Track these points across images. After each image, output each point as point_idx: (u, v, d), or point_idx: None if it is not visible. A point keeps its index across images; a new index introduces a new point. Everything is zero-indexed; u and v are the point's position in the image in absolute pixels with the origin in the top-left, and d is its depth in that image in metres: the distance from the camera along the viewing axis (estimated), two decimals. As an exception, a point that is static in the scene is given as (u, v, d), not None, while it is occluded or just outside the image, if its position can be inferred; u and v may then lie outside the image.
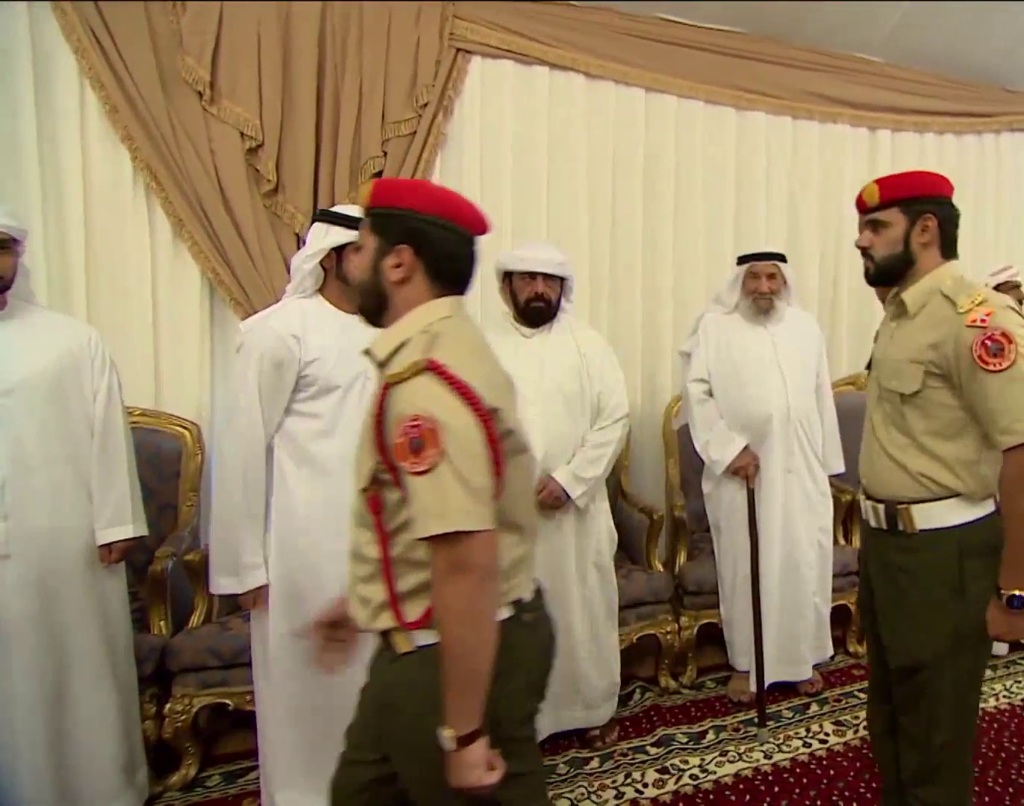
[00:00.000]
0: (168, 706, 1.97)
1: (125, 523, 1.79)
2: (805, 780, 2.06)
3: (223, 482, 1.66)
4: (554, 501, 2.03)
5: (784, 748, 2.21)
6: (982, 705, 2.35)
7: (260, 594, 1.68)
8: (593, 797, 1.98)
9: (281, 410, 1.66)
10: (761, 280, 2.39)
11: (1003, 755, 2.17)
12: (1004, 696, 2.50)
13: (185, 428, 2.32)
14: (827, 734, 2.28)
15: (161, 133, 2.23)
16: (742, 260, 2.45)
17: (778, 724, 2.33)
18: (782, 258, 2.44)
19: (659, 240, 2.96)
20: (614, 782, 2.05)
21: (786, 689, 2.48)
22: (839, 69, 3.26)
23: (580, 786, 2.03)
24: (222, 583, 1.67)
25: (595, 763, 2.13)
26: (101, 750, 1.74)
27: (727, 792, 2.01)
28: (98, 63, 2.14)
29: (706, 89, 3.03)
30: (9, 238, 1.60)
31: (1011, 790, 2.01)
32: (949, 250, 1.44)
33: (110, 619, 1.79)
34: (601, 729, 2.23)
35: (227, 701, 2.01)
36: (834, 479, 2.57)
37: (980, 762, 2.09)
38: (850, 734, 2.27)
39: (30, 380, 1.63)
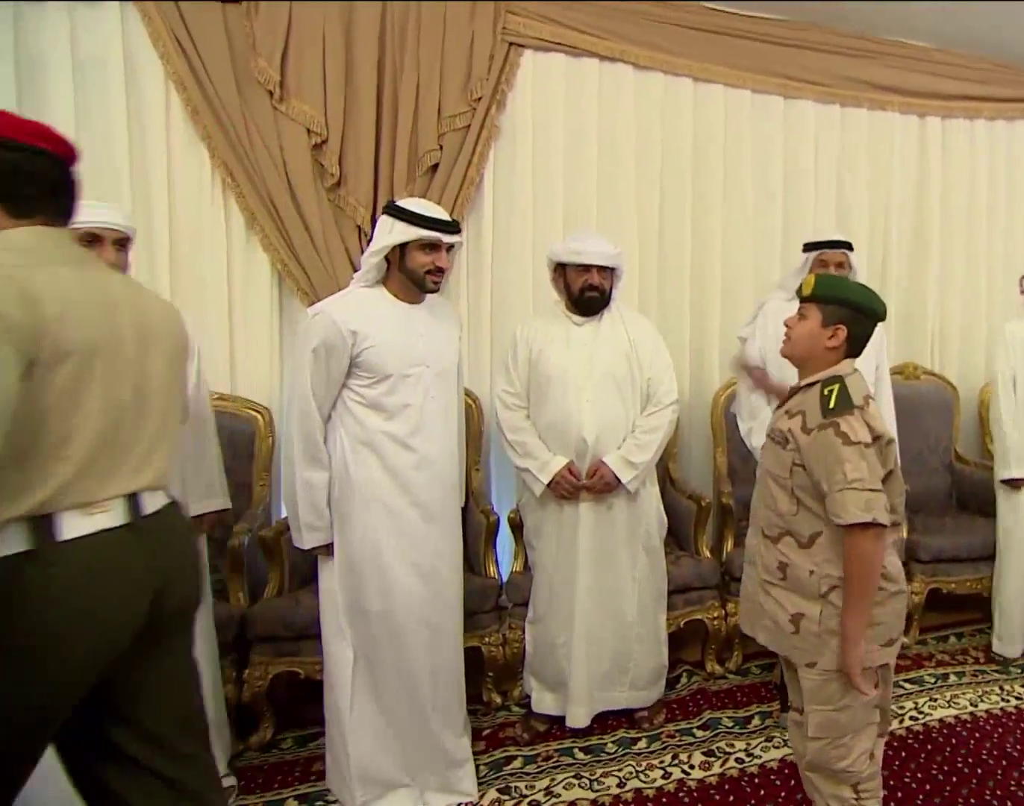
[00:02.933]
0: (247, 672, 2.11)
1: (215, 496, 1.93)
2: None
3: (288, 458, 1.80)
4: (605, 486, 2.09)
5: None
6: (955, 713, 2.34)
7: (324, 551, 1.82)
8: (641, 776, 2.04)
9: (334, 394, 1.76)
10: (830, 268, 2.37)
11: (1004, 762, 2.11)
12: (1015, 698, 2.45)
13: (258, 412, 2.45)
14: None
15: (236, 131, 2.35)
16: (810, 247, 2.43)
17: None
18: (850, 247, 2.42)
19: (707, 229, 3.00)
20: (661, 763, 2.10)
21: None
22: (887, 55, 3.24)
23: (628, 765, 2.09)
24: (308, 538, 1.80)
25: (643, 743, 2.19)
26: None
27: (772, 776, 2.04)
28: (181, 67, 2.27)
29: (753, 78, 3.04)
30: (126, 236, 1.72)
31: (1009, 804, 1.95)
32: None
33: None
34: (649, 710, 2.28)
35: (299, 670, 2.13)
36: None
37: (979, 769, 2.06)
38: (895, 724, 2.28)
39: None
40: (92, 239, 1.64)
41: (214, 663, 1.97)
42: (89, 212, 1.64)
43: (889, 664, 1.51)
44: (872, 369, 2.46)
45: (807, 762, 1.53)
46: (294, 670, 2.13)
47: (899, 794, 1.95)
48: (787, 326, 1.53)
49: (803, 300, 1.52)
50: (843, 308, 1.46)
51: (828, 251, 2.39)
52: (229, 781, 1.95)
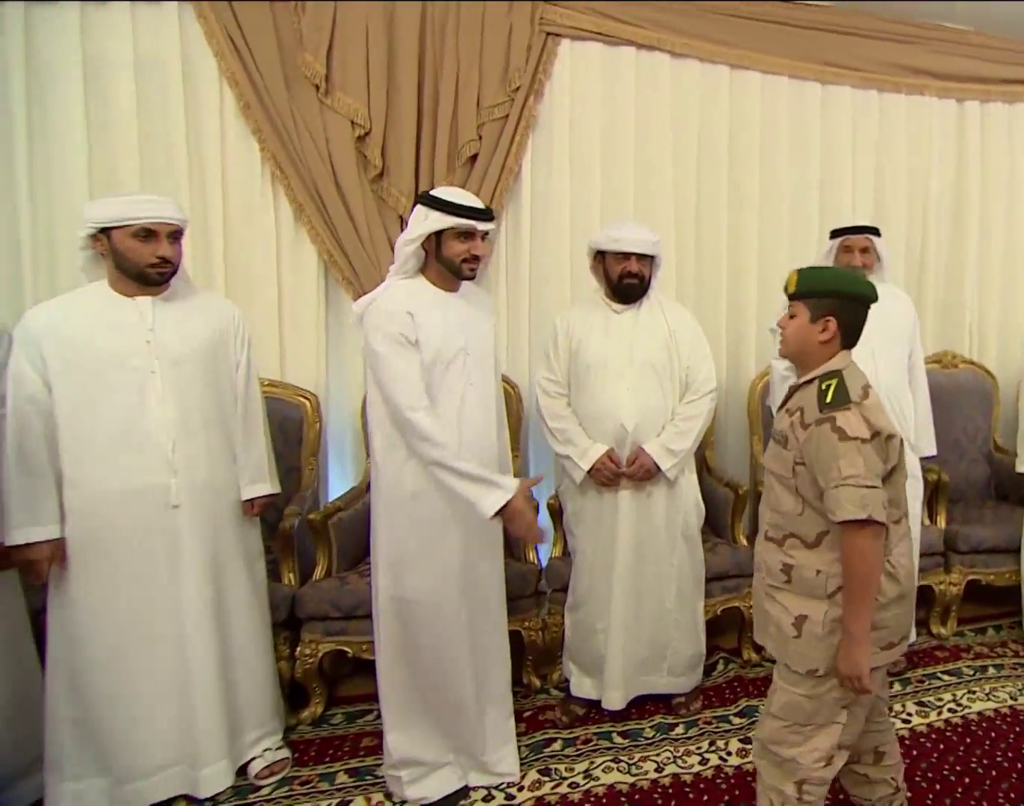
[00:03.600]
0: (298, 649, 2.17)
1: (264, 481, 1.98)
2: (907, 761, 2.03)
3: (433, 461, 1.71)
4: (645, 473, 2.11)
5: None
6: (995, 706, 2.31)
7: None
8: (678, 762, 2.05)
9: (423, 377, 1.73)
10: (854, 254, 2.38)
11: (1019, 764, 2.05)
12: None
13: (306, 398, 2.52)
14: (910, 714, 2.27)
15: (284, 125, 2.41)
16: (835, 234, 2.45)
17: None
18: (876, 232, 2.42)
19: (744, 217, 3.00)
20: (699, 749, 2.10)
21: None
22: (925, 39, 3.20)
23: (666, 750, 2.10)
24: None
25: (680, 729, 2.19)
26: (255, 677, 1.95)
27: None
28: (234, 63, 2.34)
29: (791, 65, 3.03)
30: (179, 229, 1.78)
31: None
32: None
33: (253, 566, 2.00)
34: (686, 696, 2.30)
35: (347, 649, 2.19)
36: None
37: (1019, 764, 2.02)
38: (933, 715, 2.26)
39: (193, 352, 1.82)
40: (148, 234, 1.71)
41: (268, 639, 2.05)
42: (145, 208, 1.71)
43: (882, 667, 1.47)
44: (905, 356, 2.46)
45: (759, 741, 1.51)
46: (342, 649, 2.20)
47: (937, 787, 1.94)
48: (780, 327, 1.52)
49: (790, 297, 1.49)
50: (829, 299, 1.43)
51: (852, 237, 2.39)
52: (283, 752, 2.03)
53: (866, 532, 1.32)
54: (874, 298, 1.50)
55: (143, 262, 1.71)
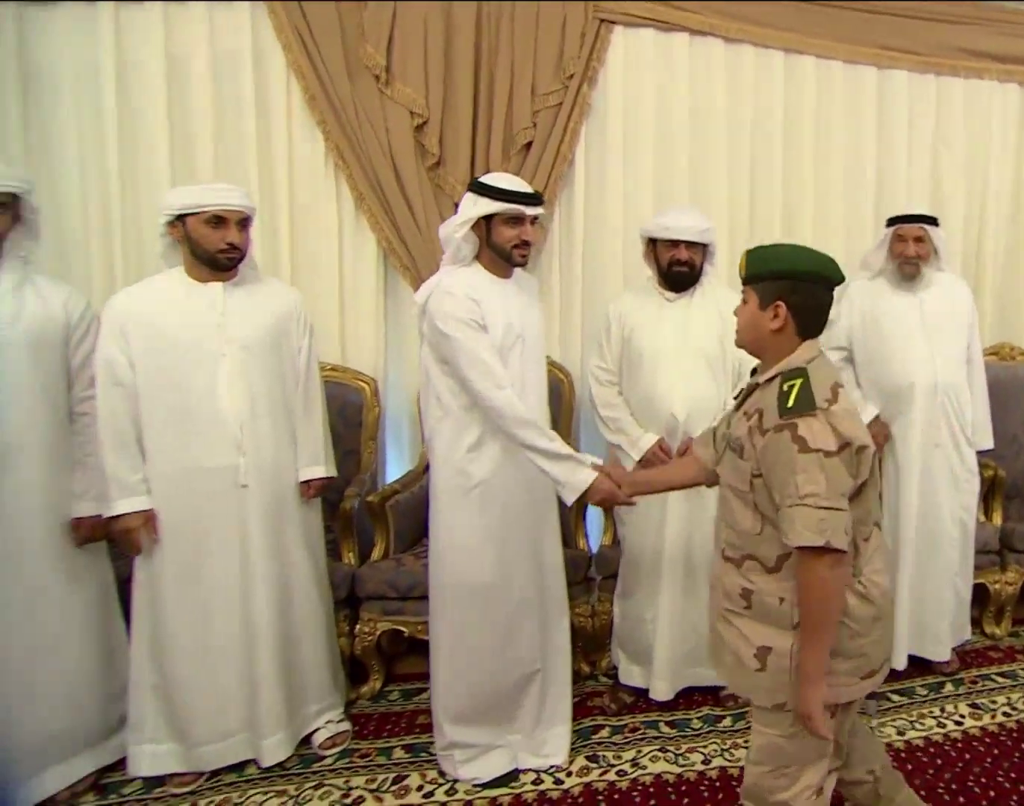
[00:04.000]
0: (357, 627, 2.24)
1: (319, 464, 2.03)
2: (939, 761, 2.02)
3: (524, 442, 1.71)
4: None
5: (918, 726, 2.17)
6: (990, 722, 2.22)
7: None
8: (725, 755, 2.04)
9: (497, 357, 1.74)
10: (908, 243, 2.31)
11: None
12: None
13: (366, 382, 2.58)
14: (962, 716, 2.23)
15: (346, 116, 2.47)
16: (890, 222, 2.39)
17: (911, 701, 2.30)
18: (932, 221, 2.34)
19: (797, 204, 2.96)
20: (746, 742, 2.06)
21: (920, 665, 2.43)
22: (986, 21, 3.09)
23: (713, 742, 2.09)
24: None
25: (727, 722, 2.18)
26: (317, 651, 2.02)
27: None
28: (300, 57, 2.41)
29: (846, 49, 2.97)
30: (247, 216, 1.84)
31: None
32: None
33: (314, 545, 2.06)
34: None
35: (403, 628, 2.25)
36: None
37: (991, 793, 1.91)
38: (987, 718, 2.22)
39: (259, 337, 1.88)
40: (218, 221, 1.77)
41: (329, 616, 2.12)
42: (215, 195, 1.78)
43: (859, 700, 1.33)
44: (963, 348, 2.39)
45: (743, 788, 1.37)
46: (399, 628, 2.25)
47: (991, 793, 1.90)
48: (736, 316, 1.37)
49: (742, 282, 1.34)
50: (778, 281, 1.25)
51: (905, 226, 2.31)
52: (345, 725, 2.10)
53: (824, 560, 1.16)
54: (836, 278, 1.31)
55: (213, 248, 1.78)
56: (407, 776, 1.95)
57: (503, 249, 1.80)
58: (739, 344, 1.37)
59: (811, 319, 1.29)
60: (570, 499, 1.70)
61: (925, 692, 2.36)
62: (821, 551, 1.16)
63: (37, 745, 1.77)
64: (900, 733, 2.15)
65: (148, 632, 1.84)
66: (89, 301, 1.90)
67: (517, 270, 1.92)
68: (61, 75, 2.37)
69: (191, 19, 2.39)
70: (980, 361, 2.48)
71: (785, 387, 1.22)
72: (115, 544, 1.89)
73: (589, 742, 2.08)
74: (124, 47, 2.36)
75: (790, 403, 1.19)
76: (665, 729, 2.16)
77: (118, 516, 1.77)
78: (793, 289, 1.25)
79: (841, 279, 1.32)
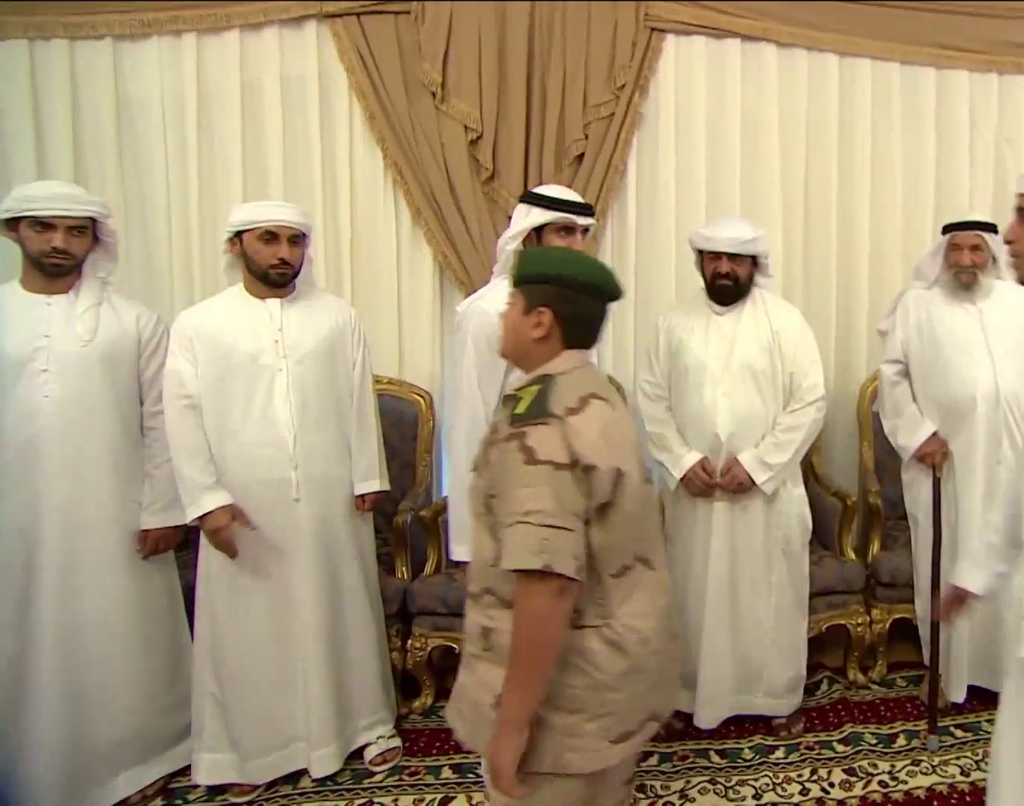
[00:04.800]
0: (409, 642, 2.24)
1: (375, 478, 2.05)
2: None
3: (454, 465, 1.77)
4: (738, 486, 2.01)
5: (983, 767, 2.00)
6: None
7: None
8: (778, 789, 1.96)
9: (499, 387, 1.71)
10: (963, 252, 2.21)
11: None
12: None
13: (421, 396, 2.62)
14: None
15: (404, 133, 2.53)
16: (946, 229, 2.29)
17: (976, 737, 2.15)
18: (990, 228, 2.23)
19: (854, 211, 2.89)
20: (799, 776, 2.01)
21: (985, 698, 2.23)
22: (1049, 15, 2.99)
23: (765, 775, 2.02)
24: (458, 551, 1.76)
25: (780, 753, 2.11)
26: (368, 665, 2.04)
27: (919, 807, 1.88)
28: (362, 77, 2.49)
29: (903, 49, 2.89)
30: (300, 233, 1.87)
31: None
32: None
33: (366, 559, 2.08)
34: (788, 718, 2.20)
35: (453, 645, 2.22)
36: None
37: None
38: None
39: (314, 351, 1.91)
40: (271, 237, 1.81)
41: (381, 630, 2.13)
42: (267, 212, 1.82)
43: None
44: (1016, 367, 2.19)
45: None
46: (450, 644, 2.24)
47: None
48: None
49: (512, 285, 1.23)
50: (545, 285, 1.15)
51: (961, 233, 2.22)
52: (395, 742, 2.11)
53: (545, 587, 1.00)
54: (607, 290, 1.18)
55: (265, 263, 1.82)
56: (453, 798, 1.94)
57: None
58: (501, 352, 1.25)
59: (578, 329, 1.17)
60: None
61: (991, 728, 2.24)
62: (542, 575, 1.00)
63: (110, 750, 1.83)
64: (964, 773, 2.03)
65: (207, 642, 1.89)
66: (160, 317, 1.97)
67: None
68: (150, 103, 2.51)
69: (263, 45, 2.49)
70: None
71: (520, 394, 1.10)
72: (184, 553, 1.94)
73: (638, 770, 2.01)
74: (204, 75, 2.50)
75: (519, 410, 1.07)
76: (715, 759, 2.10)
77: (205, 516, 1.80)
78: (560, 296, 1.14)
79: (616, 294, 1.21)
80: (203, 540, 1.85)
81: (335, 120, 2.54)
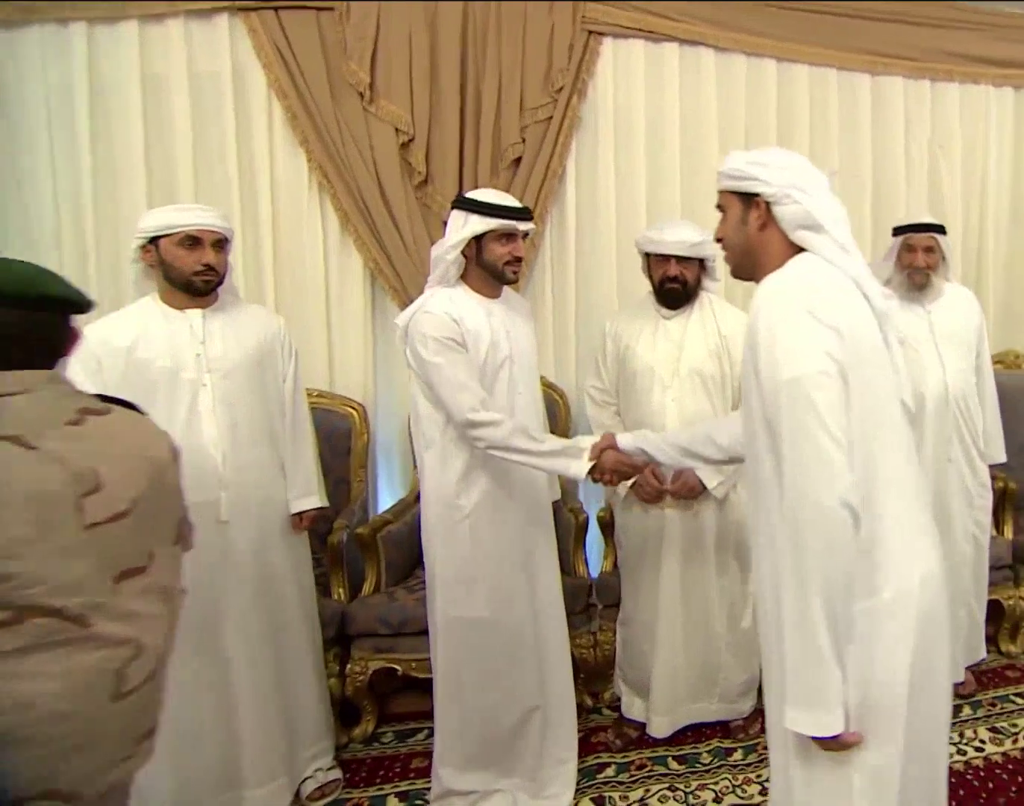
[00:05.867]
0: (348, 666, 2.14)
1: (313, 494, 1.95)
2: (961, 792, 1.91)
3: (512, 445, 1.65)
4: (689, 491, 1.99)
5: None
6: (1012, 747, 2.10)
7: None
8: (738, 791, 1.95)
9: (477, 376, 1.69)
10: (917, 254, 2.24)
11: None
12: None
13: (353, 408, 2.50)
14: (983, 741, 2.14)
15: (330, 135, 2.40)
16: (898, 231, 2.32)
17: None
18: (941, 230, 2.29)
19: (794, 215, 2.90)
20: (759, 777, 1.99)
21: None
22: (980, 25, 3.06)
23: (724, 778, 2.00)
24: None
25: (738, 755, 2.09)
26: (307, 694, 1.93)
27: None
28: (281, 75, 2.36)
29: (839, 55, 2.92)
30: (223, 238, 1.76)
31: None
32: None
33: (303, 582, 1.97)
34: (744, 720, 2.19)
35: (396, 666, 2.15)
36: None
37: None
38: (1008, 743, 2.11)
39: (242, 365, 1.80)
40: (193, 242, 1.70)
41: (318, 656, 2.02)
42: (188, 215, 1.71)
43: None
44: (973, 359, 2.32)
45: None
46: (392, 666, 2.15)
47: None
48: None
49: None
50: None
51: (915, 235, 2.25)
52: (335, 773, 2.00)
53: None
54: (22, 295, 0.96)
55: (188, 270, 1.70)
56: (400, 829, 1.85)
57: (495, 266, 1.73)
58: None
59: (14, 347, 0.96)
60: (580, 477, 1.68)
61: None
62: None
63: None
64: None
65: None
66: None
67: (507, 290, 1.85)
68: (32, 98, 2.30)
69: (167, 38, 2.33)
70: (990, 372, 2.42)
71: None
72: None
73: (594, 782, 1.99)
74: (98, 68, 2.30)
75: None
76: (674, 765, 2.06)
77: None
78: None
79: (27, 299, 0.97)
80: None
81: (252, 120, 2.40)
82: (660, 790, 1.97)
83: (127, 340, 1.70)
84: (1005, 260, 3.19)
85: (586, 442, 1.68)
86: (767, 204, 1.14)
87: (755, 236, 1.16)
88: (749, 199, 1.16)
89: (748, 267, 1.21)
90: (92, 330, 1.71)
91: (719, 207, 1.23)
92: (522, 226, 1.74)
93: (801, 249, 1.14)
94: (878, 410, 1.06)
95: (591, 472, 1.65)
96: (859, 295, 1.11)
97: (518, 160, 2.55)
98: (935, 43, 3.01)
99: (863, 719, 1.01)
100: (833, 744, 1.00)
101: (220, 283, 1.79)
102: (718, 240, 1.25)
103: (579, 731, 2.14)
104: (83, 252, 2.35)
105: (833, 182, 1.22)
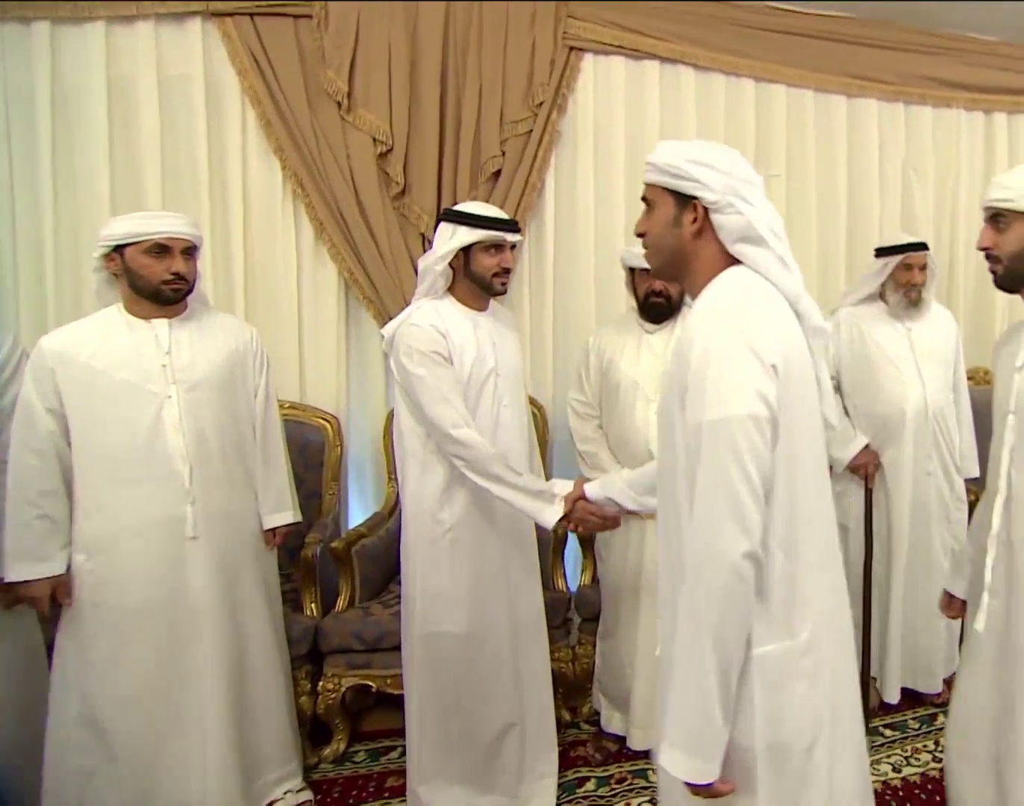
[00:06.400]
0: (320, 684, 2.09)
1: (286, 509, 1.92)
2: (938, 797, 1.94)
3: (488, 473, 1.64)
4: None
5: (913, 762, 2.13)
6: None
7: None
8: None
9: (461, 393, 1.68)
10: (914, 272, 2.30)
11: None
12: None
13: (327, 420, 2.46)
14: None
15: (306, 143, 2.38)
16: (890, 251, 2.34)
17: (904, 735, 2.26)
18: (927, 248, 2.36)
19: (771, 232, 2.93)
20: None
21: (912, 698, 2.39)
22: (953, 51, 3.13)
23: None
24: None
25: None
26: (273, 715, 1.87)
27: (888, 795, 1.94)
28: (256, 82, 2.32)
29: (816, 77, 2.97)
30: (192, 245, 1.72)
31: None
32: None
33: (272, 599, 1.92)
34: None
35: (371, 683, 2.11)
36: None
37: None
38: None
39: (209, 376, 1.75)
40: (161, 250, 1.66)
41: (287, 673, 1.97)
42: (157, 223, 1.67)
43: None
44: (951, 375, 2.39)
45: None
46: (366, 683, 2.11)
47: None
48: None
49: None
50: None
51: (914, 253, 2.31)
52: (306, 794, 1.94)
53: None
54: None
55: (157, 279, 1.66)
56: (373, 850, 1.81)
57: (483, 278, 1.73)
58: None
59: None
60: (549, 525, 1.64)
61: (918, 725, 2.31)
62: None
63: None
64: (896, 770, 2.09)
65: (74, 711, 1.64)
66: (16, 338, 1.76)
67: (493, 303, 1.84)
68: None
69: (136, 41, 2.28)
70: (965, 388, 2.48)
71: None
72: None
73: (575, 797, 1.97)
74: (61, 70, 2.24)
75: None
76: (654, 778, 2.03)
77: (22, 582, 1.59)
78: None
79: None
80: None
81: (225, 126, 2.37)
82: (641, 802, 1.98)
83: (85, 351, 1.64)
84: (975, 280, 3.25)
85: (560, 488, 1.64)
86: (706, 210, 1.06)
87: (688, 242, 1.07)
88: (686, 200, 1.07)
89: (673, 271, 1.13)
90: (47, 340, 1.66)
91: (645, 199, 1.13)
92: (510, 237, 1.75)
93: (734, 259, 1.07)
94: (803, 444, 1.00)
95: (561, 519, 1.61)
96: (792, 315, 1.05)
97: (497, 173, 2.54)
98: (910, 67, 3.08)
99: (771, 762, 0.98)
100: (704, 791, 0.96)
101: (189, 292, 1.75)
102: (639, 235, 1.15)
103: (558, 746, 2.11)
104: (40, 260, 2.28)
105: (770, 185, 1.17)
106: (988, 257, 1.35)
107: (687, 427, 0.97)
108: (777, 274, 1.06)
